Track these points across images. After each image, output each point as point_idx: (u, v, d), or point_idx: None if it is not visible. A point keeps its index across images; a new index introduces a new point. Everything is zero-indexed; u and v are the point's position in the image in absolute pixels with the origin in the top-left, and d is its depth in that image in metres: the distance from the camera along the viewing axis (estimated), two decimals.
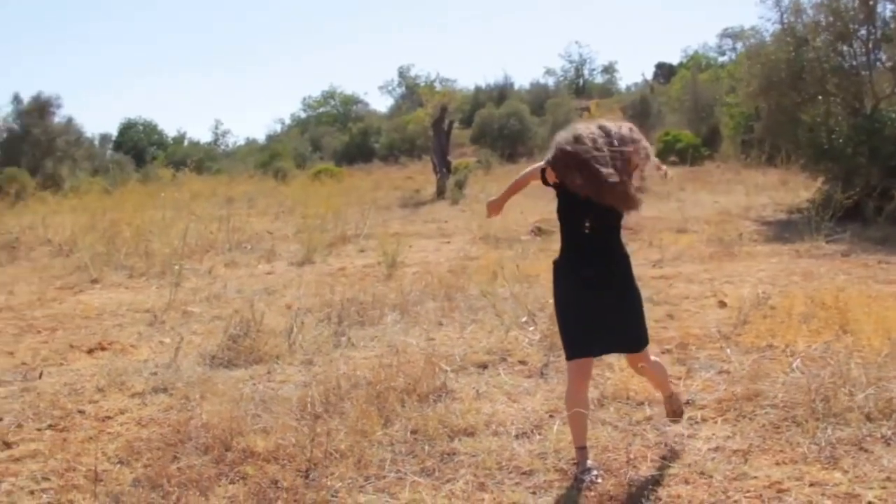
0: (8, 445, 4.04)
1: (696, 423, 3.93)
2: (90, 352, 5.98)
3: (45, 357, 5.85)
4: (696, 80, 33.97)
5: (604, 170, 3.14)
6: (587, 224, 3.32)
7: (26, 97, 33.42)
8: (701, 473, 3.31)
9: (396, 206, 18.79)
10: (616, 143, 3.23)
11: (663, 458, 3.51)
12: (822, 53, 13.24)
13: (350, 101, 59.46)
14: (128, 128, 52.94)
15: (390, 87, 59.15)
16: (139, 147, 49.76)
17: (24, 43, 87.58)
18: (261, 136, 58.17)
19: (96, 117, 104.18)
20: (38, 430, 4.27)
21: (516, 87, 52.23)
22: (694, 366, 4.87)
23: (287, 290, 8.26)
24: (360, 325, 6.37)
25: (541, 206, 11.53)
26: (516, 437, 3.85)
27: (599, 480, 3.24)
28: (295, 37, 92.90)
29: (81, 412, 4.52)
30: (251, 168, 34.81)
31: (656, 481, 3.26)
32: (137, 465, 3.71)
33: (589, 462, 3.36)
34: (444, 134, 22.25)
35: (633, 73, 70.92)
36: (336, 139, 46.14)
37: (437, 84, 46.90)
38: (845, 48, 13.46)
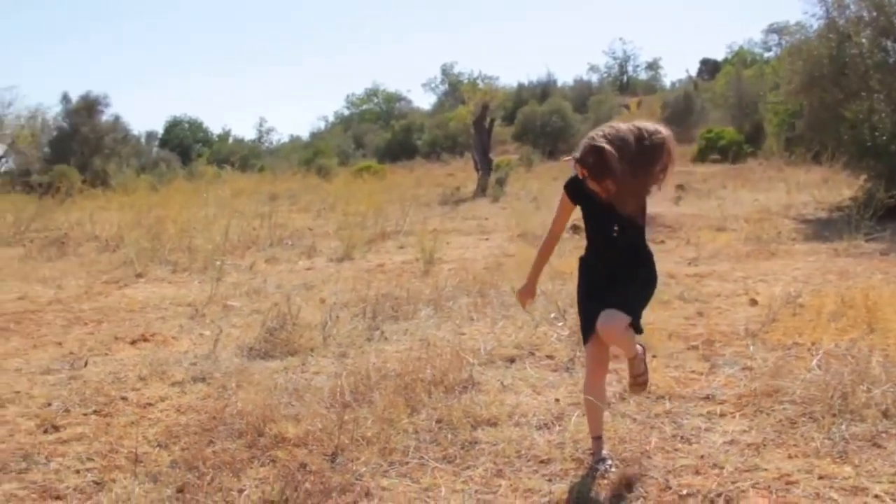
0: (56, 428, 4.26)
1: (715, 417, 4.00)
2: (133, 343, 6.21)
3: (92, 347, 6.09)
4: (740, 76, 33.62)
5: (621, 172, 3.09)
6: (615, 227, 3.33)
7: (75, 96, 34.42)
8: (713, 465, 3.39)
9: (437, 203, 18.91)
10: (647, 143, 3.12)
11: (677, 449, 3.60)
12: (865, 49, 13.02)
13: (393, 98, 59.95)
14: (173, 125, 54.01)
15: (433, 85, 59.59)
16: (184, 144, 50.73)
17: (72, 43, 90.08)
18: (304, 134, 59.01)
19: (143, 115, 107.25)
20: (84, 414, 4.49)
21: (559, 84, 52.22)
22: (718, 362, 4.91)
23: (325, 285, 8.42)
24: (393, 319, 6.51)
25: None
26: (537, 427, 3.96)
27: (613, 470, 3.34)
28: (339, 35, 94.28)
29: (124, 399, 4.73)
30: (294, 165, 35.21)
31: (668, 471, 3.35)
32: (175, 448, 3.90)
33: (604, 452, 3.47)
34: (486, 132, 22.38)
35: (678, 69, 69.91)
36: (379, 136, 46.56)
37: (479, 81, 47.04)
38: (889, 43, 13.25)
